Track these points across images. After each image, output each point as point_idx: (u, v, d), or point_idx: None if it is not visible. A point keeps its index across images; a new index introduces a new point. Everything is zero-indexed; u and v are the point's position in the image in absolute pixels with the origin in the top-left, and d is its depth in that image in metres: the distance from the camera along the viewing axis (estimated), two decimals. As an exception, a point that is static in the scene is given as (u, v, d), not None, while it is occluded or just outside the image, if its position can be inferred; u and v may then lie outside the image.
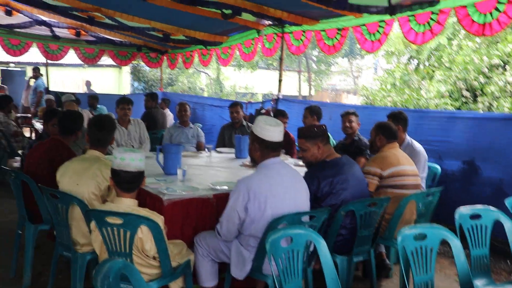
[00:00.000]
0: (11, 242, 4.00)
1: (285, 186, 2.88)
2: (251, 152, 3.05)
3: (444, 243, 2.52)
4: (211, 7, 6.09)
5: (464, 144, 4.93)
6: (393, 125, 4.14)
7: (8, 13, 8.23)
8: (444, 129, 5.11)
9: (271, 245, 2.32)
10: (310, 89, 19.24)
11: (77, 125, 3.82)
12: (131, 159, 2.57)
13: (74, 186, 3.08)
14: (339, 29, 6.33)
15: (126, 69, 17.38)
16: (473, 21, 4.76)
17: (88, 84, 13.16)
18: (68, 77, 18.16)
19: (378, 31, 5.78)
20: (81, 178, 3.09)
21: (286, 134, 6.12)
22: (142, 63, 14.67)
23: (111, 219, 2.50)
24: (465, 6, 4.80)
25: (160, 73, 11.74)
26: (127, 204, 2.60)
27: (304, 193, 3.02)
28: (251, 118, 8.03)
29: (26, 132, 9.55)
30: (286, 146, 6.01)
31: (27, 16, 8.34)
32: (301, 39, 7.03)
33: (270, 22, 7.34)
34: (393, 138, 3.97)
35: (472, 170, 4.80)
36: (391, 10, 5.20)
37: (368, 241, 3.42)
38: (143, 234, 2.52)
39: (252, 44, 7.97)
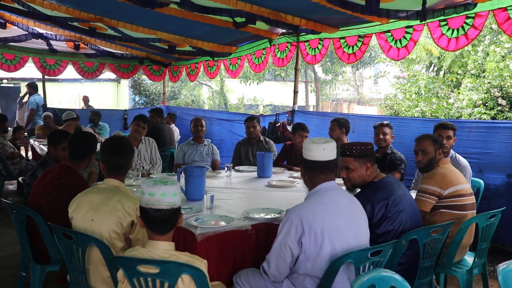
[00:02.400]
0: (13, 284, 3.52)
1: (344, 216, 2.45)
2: (302, 177, 2.64)
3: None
4: (224, 15, 5.67)
5: (508, 155, 4.52)
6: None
7: (2, 25, 7.78)
8: (484, 140, 4.70)
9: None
10: (318, 99, 18.78)
11: (92, 148, 3.37)
12: (162, 194, 2.12)
13: (90, 223, 2.62)
14: (360, 36, 5.94)
15: (125, 83, 16.90)
16: (515, 24, 4.39)
17: (86, 99, 12.66)
18: (65, 93, 17.66)
19: (404, 37, 5.39)
20: (97, 213, 2.63)
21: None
22: (144, 77, 14.22)
23: (144, 268, 2.04)
24: (505, 9, 4.42)
25: (163, 87, 11.31)
26: (163, 248, 2.13)
27: (364, 222, 2.58)
28: (264, 132, 7.60)
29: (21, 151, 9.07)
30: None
31: (22, 29, 7.89)
32: (317, 48, 6.63)
33: (283, 31, 6.97)
34: (444, 153, 3.59)
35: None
36: (423, 15, 4.83)
37: (430, 271, 3.01)
38: (185, 284, 2.06)
39: (263, 54, 7.56)
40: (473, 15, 4.67)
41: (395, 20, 5.28)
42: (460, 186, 3.33)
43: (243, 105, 16.64)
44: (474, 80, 7.05)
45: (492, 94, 6.51)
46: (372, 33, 5.79)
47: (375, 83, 27.43)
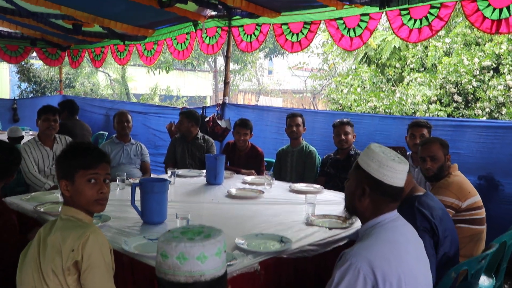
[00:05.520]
0: None
1: (415, 256, 1.84)
2: (353, 199, 1.92)
3: None
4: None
5: (477, 156, 4.31)
6: None
7: None
8: (452, 139, 4.40)
9: None
10: (228, 90, 17.84)
11: (16, 162, 2.38)
12: (180, 256, 1.31)
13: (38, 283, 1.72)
14: (306, 23, 5.40)
15: (3, 67, 14.57)
16: (484, 17, 4.16)
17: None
18: None
19: (359, 26, 4.96)
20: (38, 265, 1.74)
21: (253, 148, 5.07)
22: (32, 61, 12.34)
23: None
24: (475, 0, 4.18)
25: (60, 73, 9.78)
26: None
27: (428, 261, 2.00)
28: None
29: None
30: (254, 162, 4.95)
31: None
32: (254, 34, 5.96)
33: (213, 13, 6.19)
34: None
35: (492, 186, 4.19)
36: (386, 2, 4.43)
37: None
38: None
39: (187, 39, 6.71)
40: (439, 5, 4.37)
41: (349, 6, 4.86)
42: (477, 197, 2.95)
43: (157, 96, 15.17)
44: (424, 75, 6.93)
45: (447, 90, 6.39)
46: (320, 20, 5.28)
47: (270, 74, 27.47)
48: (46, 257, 1.70)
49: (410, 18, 4.57)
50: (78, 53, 8.69)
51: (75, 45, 8.60)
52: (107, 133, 7.18)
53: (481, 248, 2.99)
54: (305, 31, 5.43)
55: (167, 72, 13.38)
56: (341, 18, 5.07)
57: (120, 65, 8.02)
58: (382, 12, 4.76)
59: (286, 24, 5.58)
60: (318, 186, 4.02)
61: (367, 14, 4.87)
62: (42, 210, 2.94)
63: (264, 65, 21.92)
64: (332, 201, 3.54)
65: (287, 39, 5.62)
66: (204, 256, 1.30)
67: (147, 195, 2.77)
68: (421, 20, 4.51)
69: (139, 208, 2.82)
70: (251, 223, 2.90)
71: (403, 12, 4.61)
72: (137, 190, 2.83)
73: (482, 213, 2.96)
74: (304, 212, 3.12)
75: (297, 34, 5.50)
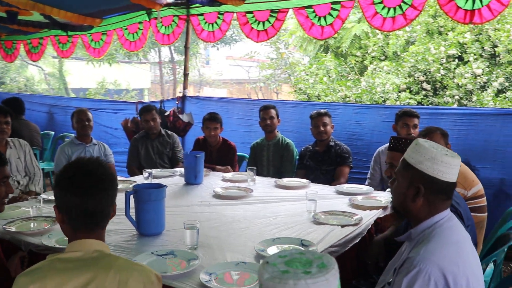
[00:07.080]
0: None
1: (472, 252, 1.72)
2: (405, 201, 1.75)
3: None
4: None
5: (453, 143, 4.26)
6: None
7: None
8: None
9: None
10: (174, 81, 17.06)
11: None
12: None
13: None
14: (273, 11, 5.20)
15: None
16: (458, 7, 4.16)
17: None
18: None
19: (330, 15, 4.84)
20: None
21: (224, 142, 4.83)
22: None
23: None
24: (449, -12, 4.17)
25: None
26: None
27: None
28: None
29: None
30: (227, 157, 4.73)
31: None
32: (216, 23, 5.68)
33: (169, 1, 5.82)
34: None
35: (468, 171, 4.27)
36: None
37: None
38: None
39: (139, 29, 6.29)
40: (413, -6, 4.33)
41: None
42: (480, 185, 2.96)
43: (105, 90, 14.16)
44: (390, 63, 6.94)
45: (416, 78, 6.43)
46: (288, 8, 5.10)
47: (207, 65, 27.02)
48: None
49: (384, 7, 4.50)
50: (12, 45, 7.92)
51: (6, 36, 7.81)
52: (53, 133, 6.60)
53: (483, 235, 2.99)
54: (272, 20, 5.23)
55: (110, 64, 12.55)
56: (310, 6, 4.91)
57: (62, 58, 7.39)
58: (354, 0, 4.67)
59: (251, 12, 5.35)
60: (304, 180, 3.87)
61: (338, 2, 4.75)
62: (13, 229, 2.53)
63: (203, 55, 21.45)
64: (324, 196, 3.39)
65: (252, 28, 5.39)
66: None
67: (143, 204, 2.48)
68: (394, 9, 4.45)
69: (134, 219, 2.51)
70: (257, 226, 2.69)
71: (376, 1, 4.53)
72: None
73: (484, 201, 2.98)
74: (304, 209, 2.98)
75: (264, 23, 5.29)
